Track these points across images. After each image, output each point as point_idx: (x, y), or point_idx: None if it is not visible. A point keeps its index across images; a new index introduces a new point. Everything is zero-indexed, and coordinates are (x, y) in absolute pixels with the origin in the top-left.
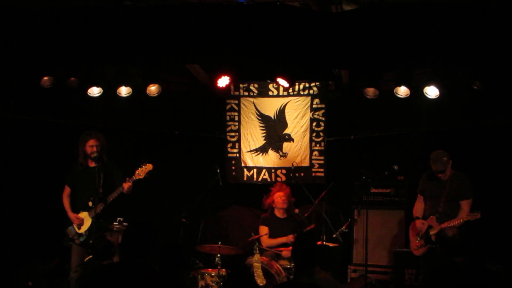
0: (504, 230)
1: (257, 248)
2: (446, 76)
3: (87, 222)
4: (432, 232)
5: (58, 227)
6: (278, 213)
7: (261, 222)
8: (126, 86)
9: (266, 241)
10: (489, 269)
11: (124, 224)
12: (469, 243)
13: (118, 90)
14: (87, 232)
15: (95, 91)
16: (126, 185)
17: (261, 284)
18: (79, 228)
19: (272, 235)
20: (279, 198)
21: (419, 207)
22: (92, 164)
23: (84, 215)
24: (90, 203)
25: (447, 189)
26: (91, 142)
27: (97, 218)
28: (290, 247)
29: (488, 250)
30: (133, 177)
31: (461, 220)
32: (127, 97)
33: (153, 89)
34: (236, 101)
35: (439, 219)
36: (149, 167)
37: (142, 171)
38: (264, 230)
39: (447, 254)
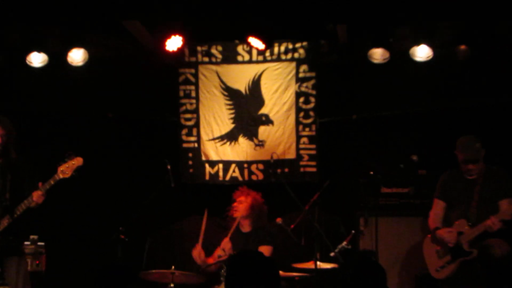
0: None
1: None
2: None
3: None
4: (464, 240)
5: None
6: (241, 227)
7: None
8: (39, 52)
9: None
10: None
11: (40, 244)
12: None
13: (27, 58)
14: None
15: None
16: (37, 195)
17: None
18: None
19: None
20: (237, 204)
21: (437, 216)
22: None
23: None
24: None
25: (480, 190)
26: None
27: (4, 235)
28: None
29: None
30: (55, 176)
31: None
32: (41, 67)
33: (76, 56)
34: (193, 70)
35: (472, 221)
36: (77, 161)
37: (68, 168)
38: (227, 245)
39: (493, 281)
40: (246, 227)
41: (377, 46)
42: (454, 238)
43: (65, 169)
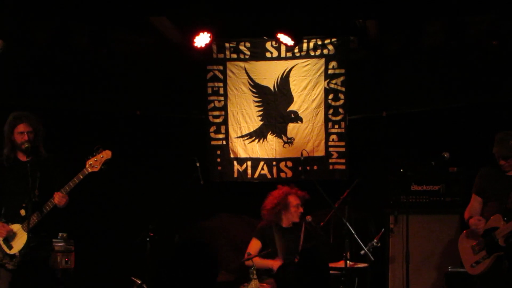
0: None
1: (255, 272)
2: None
3: (21, 238)
4: (499, 235)
5: None
6: (285, 222)
7: (255, 233)
8: (67, 49)
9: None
10: None
11: (70, 241)
12: None
13: (56, 55)
14: (23, 252)
15: None
16: (58, 197)
17: None
18: (10, 247)
19: (272, 250)
20: (295, 206)
21: (473, 208)
22: (23, 158)
23: (16, 228)
24: (23, 212)
25: None
26: (22, 127)
27: (35, 232)
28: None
29: None
30: (84, 170)
31: None
32: (68, 64)
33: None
34: (221, 67)
35: (507, 216)
36: (106, 155)
37: (97, 162)
38: (255, 245)
39: None
40: (288, 224)
41: (408, 42)
42: (481, 226)
43: (94, 163)
